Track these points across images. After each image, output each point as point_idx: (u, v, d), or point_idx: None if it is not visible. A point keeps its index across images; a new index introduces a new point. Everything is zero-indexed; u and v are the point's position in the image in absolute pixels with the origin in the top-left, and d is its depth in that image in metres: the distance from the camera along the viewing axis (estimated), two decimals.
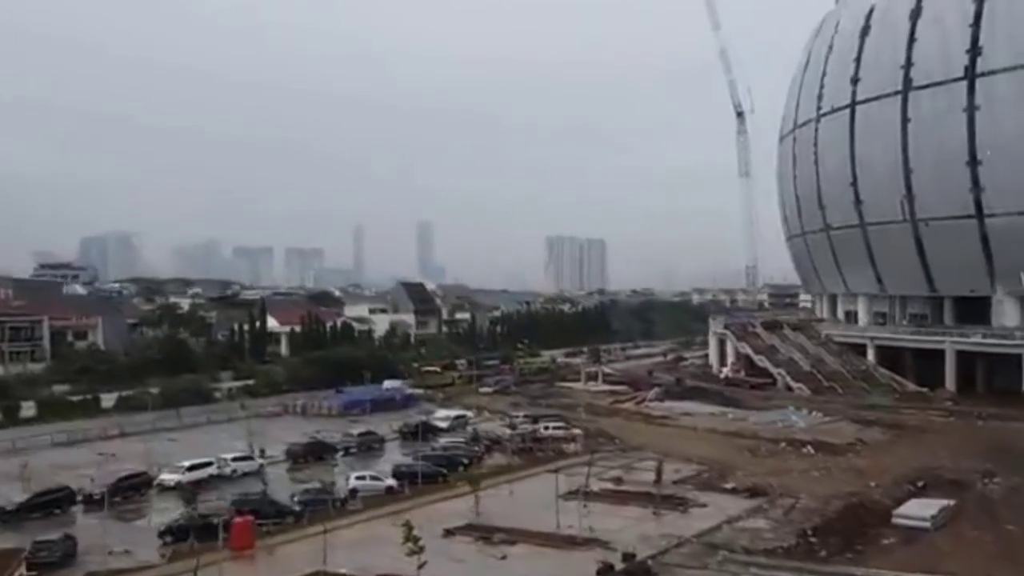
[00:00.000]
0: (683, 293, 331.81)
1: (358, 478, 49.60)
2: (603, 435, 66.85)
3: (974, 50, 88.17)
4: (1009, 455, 56.78)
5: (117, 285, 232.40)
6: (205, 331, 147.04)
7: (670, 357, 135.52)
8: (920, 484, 50.05)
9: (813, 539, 39.47)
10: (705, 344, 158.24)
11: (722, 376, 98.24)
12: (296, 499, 45.74)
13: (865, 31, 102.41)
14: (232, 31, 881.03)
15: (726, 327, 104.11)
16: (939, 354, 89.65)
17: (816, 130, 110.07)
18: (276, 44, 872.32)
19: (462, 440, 61.33)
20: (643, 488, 49.06)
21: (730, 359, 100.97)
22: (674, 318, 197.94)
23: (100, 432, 70.47)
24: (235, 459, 55.54)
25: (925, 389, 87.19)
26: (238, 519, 39.61)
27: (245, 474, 55.28)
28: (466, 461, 56.29)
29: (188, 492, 41.87)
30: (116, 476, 50.61)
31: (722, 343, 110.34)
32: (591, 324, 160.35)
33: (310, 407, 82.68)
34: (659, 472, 48.17)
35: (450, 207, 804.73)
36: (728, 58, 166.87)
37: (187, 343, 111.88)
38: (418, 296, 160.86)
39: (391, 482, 50.09)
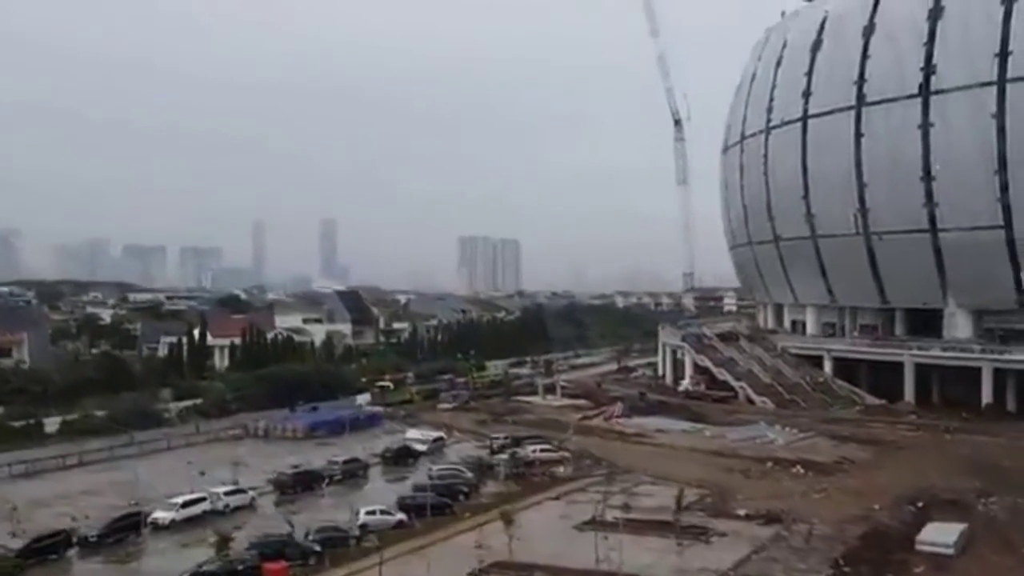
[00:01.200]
0: (604, 296, 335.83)
1: (368, 513, 49.07)
2: (588, 457, 67.47)
3: (928, 68, 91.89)
4: (994, 472, 59.64)
5: (7, 289, 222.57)
6: (129, 344, 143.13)
7: (615, 367, 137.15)
8: (920, 505, 52.35)
9: (847, 569, 40.94)
10: (645, 352, 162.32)
11: (681, 389, 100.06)
12: (310, 538, 45.07)
13: (816, 46, 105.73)
14: (115, 10, 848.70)
15: (683, 339, 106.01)
16: (893, 366, 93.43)
17: (766, 142, 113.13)
18: (166, 24, 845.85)
19: (455, 467, 61.04)
20: (654, 516, 49.94)
21: (688, 371, 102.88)
22: (606, 324, 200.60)
23: (58, 463, 67.83)
24: (227, 493, 54.24)
25: (883, 401, 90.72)
26: (270, 565, 38.93)
27: (237, 508, 54.20)
28: (466, 490, 56.22)
29: (220, 537, 40.73)
30: (110, 516, 48.95)
31: (675, 353, 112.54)
32: (529, 332, 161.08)
33: (272, 429, 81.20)
34: (679, 502, 49.04)
35: (355, 204, 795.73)
36: (666, 65, 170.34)
37: (123, 360, 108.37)
38: (354, 305, 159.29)
39: (401, 516, 49.76)
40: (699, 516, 50.26)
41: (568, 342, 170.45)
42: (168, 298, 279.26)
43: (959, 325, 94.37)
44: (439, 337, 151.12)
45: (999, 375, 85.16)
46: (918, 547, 43.24)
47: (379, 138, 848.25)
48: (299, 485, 58.81)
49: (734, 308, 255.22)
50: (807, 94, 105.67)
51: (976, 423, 78.15)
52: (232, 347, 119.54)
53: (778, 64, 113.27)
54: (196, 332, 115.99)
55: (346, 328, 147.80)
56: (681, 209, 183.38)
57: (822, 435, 75.69)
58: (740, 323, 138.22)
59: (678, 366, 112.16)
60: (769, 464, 64.72)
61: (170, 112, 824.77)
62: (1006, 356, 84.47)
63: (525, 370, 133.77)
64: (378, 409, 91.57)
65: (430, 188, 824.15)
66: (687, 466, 64.77)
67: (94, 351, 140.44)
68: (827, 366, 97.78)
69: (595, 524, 49.05)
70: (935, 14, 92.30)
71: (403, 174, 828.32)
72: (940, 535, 44.11)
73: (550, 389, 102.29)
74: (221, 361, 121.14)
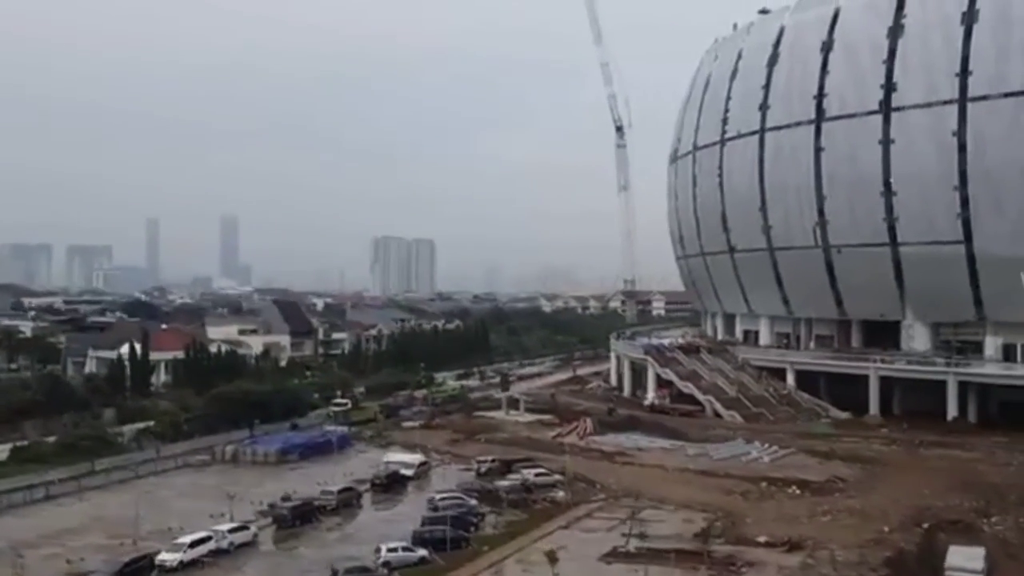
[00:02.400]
0: (527, 299, 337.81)
1: (390, 550, 48.52)
2: (582, 480, 67.85)
3: (888, 85, 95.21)
4: (986, 490, 62.17)
5: None
6: (53, 359, 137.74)
7: (565, 377, 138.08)
8: (926, 526, 54.37)
9: None
10: (588, 360, 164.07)
11: (647, 403, 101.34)
12: None
13: (773, 59, 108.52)
14: None
15: (646, 352, 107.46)
16: (854, 377, 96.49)
17: (721, 153, 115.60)
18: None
19: (458, 495, 60.68)
20: (677, 545, 50.73)
21: (650, 384, 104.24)
22: (542, 331, 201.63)
23: (24, 497, 65.10)
24: (231, 530, 52.96)
25: (848, 413, 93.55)
26: None
27: (240, 545, 53.00)
28: (476, 521, 56.05)
29: None
30: (119, 560, 47.41)
31: (633, 365, 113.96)
32: (471, 342, 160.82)
33: (242, 453, 79.37)
34: (707, 533, 49.87)
35: (258, 201, 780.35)
36: (609, 72, 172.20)
37: (63, 379, 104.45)
38: (293, 315, 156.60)
39: (423, 552, 49.35)
40: (719, 544, 51.14)
41: (508, 351, 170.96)
42: (66, 302, 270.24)
43: (917, 337, 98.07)
44: (382, 348, 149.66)
45: (961, 387, 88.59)
46: (948, 573, 44.82)
47: (286, 135, 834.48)
48: (297, 518, 57.70)
49: (663, 312, 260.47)
50: (764, 107, 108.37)
51: (946, 436, 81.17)
52: (175, 362, 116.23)
53: (733, 76, 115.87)
54: (134, 347, 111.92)
55: (284, 340, 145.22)
56: (622, 215, 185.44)
57: (802, 451, 77.53)
58: (687, 332, 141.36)
59: (637, 378, 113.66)
60: (763, 484, 66.12)
61: (50, 96, 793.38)
62: (971, 369, 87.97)
63: (474, 382, 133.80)
64: (343, 429, 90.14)
65: (341, 187, 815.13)
66: (683, 488, 65.75)
67: (12, 367, 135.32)
68: (790, 378, 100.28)
69: (619, 556, 49.64)
70: (895, 32, 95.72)
71: (312, 173, 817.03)
72: (967, 560, 45.72)
73: (513, 404, 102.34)
74: (158, 378, 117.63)
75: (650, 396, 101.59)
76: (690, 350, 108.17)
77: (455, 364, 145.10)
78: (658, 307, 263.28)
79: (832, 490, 64.29)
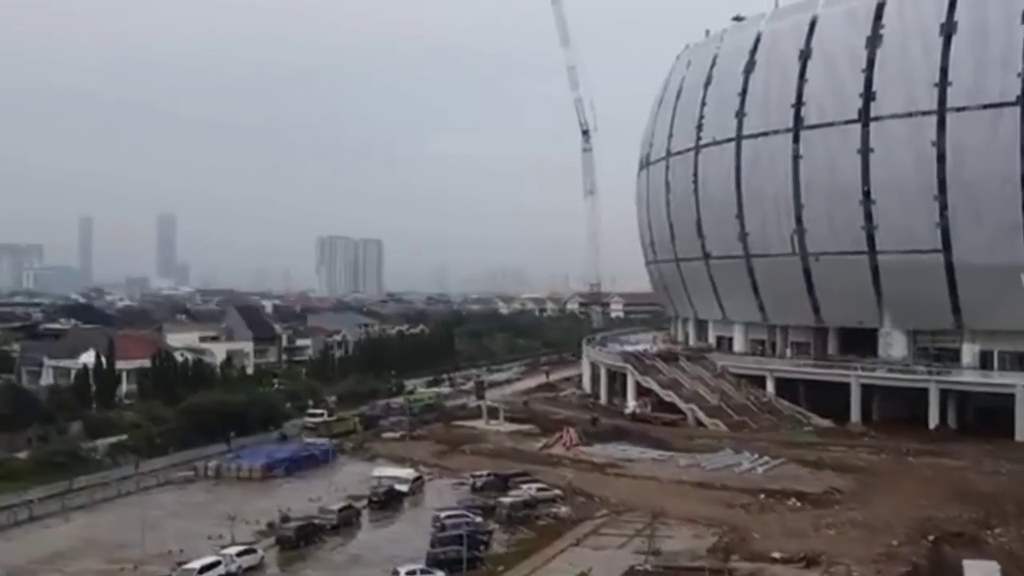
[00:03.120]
0: (483, 300, 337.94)
1: (408, 573, 48.31)
2: (580, 494, 68.04)
3: (867, 94, 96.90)
4: (981, 500, 63.55)
5: None
6: (6, 368, 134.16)
7: (536, 384, 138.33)
8: (931, 539, 55.57)
9: None
10: (556, 364, 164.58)
11: (628, 412, 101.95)
12: None
13: (750, 67, 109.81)
14: None
15: (626, 361, 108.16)
16: (832, 384, 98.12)
17: (696, 160, 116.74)
18: None
19: (462, 512, 60.46)
20: (688, 561, 51.26)
21: (630, 393, 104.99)
22: (505, 334, 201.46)
23: (9, 518, 63.33)
24: (239, 554, 52.20)
25: (829, 421, 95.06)
26: None
27: (248, 569, 52.31)
28: (486, 539, 55.96)
29: None
30: None
31: (611, 372, 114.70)
32: (438, 347, 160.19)
33: (226, 469, 78.20)
34: (726, 550, 50.39)
35: (196, 199, 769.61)
36: (576, 76, 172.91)
37: (28, 390, 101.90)
38: (255, 321, 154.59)
39: (440, 574, 49.17)
40: (735, 561, 51.74)
41: (472, 356, 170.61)
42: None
43: (894, 344, 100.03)
44: (349, 354, 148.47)
45: (941, 395, 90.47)
46: None
47: (228, 132, 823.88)
48: (301, 539, 57.07)
49: (622, 314, 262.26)
50: (741, 114, 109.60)
51: (931, 444, 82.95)
52: (140, 372, 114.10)
53: (707, 83, 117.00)
54: (100, 356, 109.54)
55: (248, 347, 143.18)
56: (589, 219, 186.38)
57: (792, 461, 78.59)
58: (657, 337, 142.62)
59: (613, 385, 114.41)
60: (761, 496, 66.93)
61: None
62: (953, 377, 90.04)
63: (445, 389, 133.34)
64: (323, 441, 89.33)
65: (284, 186, 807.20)
66: (682, 501, 66.18)
67: None
68: (770, 386, 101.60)
69: (638, 574, 49.96)
70: (873, 41, 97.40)
71: (254, 171, 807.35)
72: (984, 575, 46.95)
73: (493, 413, 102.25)
74: (120, 388, 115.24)
75: (631, 405, 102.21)
76: (669, 358, 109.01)
77: (422, 370, 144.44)
78: (617, 309, 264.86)
79: (831, 502, 65.23)
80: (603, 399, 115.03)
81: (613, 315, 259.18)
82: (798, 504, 65.00)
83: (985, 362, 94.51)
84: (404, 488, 69.71)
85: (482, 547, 54.55)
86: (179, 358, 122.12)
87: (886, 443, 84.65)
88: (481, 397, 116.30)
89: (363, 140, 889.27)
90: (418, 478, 72.81)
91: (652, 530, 54.71)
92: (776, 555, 52.27)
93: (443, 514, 59.64)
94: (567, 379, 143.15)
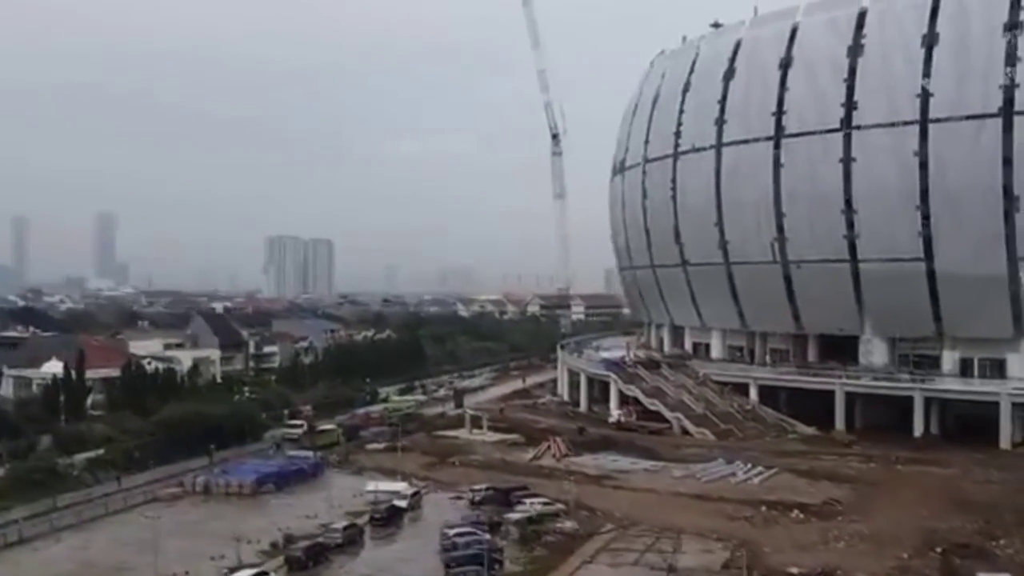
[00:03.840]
0: (440, 301, 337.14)
1: None
2: (583, 507, 68.33)
3: (849, 104, 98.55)
4: (980, 509, 64.87)
5: None
6: None
7: (512, 391, 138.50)
8: (939, 551, 56.77)
9: None
10: (526, 369, 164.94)
11: (612, 420, 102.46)
12: None
13: (729, 74, 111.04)
14: None
15: (608, 369, 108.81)
16: (813, 391, 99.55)
17: (675, 167, 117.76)
18: None
19: (473, 530, 60.28)
20: None
21: (613, 401, 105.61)
22: (470, 339, 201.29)
23: None
24: None
25: (813, 428, 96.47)
26: None
27: None
28: (500, 558, 55.91)
29: None
30: None
31: (590, 381, 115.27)
32: (407, 352, 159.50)
33: (215, 485, 77.14)
34: (748, 567, 51.01)
35: (135, 197, 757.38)
36: (545, 79, 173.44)
37: None
38: (221, 327, 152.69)
39: None
40: None
41: (440, 361, 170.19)
42: None
43: (875, 351, 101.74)
44: (319, 361, 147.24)
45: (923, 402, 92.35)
46: None
47: (167, 132, 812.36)
48: (311, 559, 56.60)
49: (583, 316, 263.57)
50: (720, 122, 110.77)
51: (918, 453, 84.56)
52: (109, 382, 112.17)
53: (686, 89, 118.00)
54: (69, 366, 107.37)
55: (214, 354, 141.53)
56: (558, 223, 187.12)
57: (785, 471, 79.57)
58: (631, 343, 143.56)
59: (592, 392, 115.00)
60: (763, 508, 67.75)
61: None
62: (938, 386, 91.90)
63: (419, 397, 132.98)
64: (307, 454, 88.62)
65: (229, 185, 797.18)
66: (684, 514, 66.64)
67: None
68: (753, 393, 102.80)
69: None
70: (855, 51, 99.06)
71: (197, 169, 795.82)
72: None
73: (476, 423, 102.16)
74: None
75: (616, 414, 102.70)
76: (651, 365, 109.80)
77: (391, 377, 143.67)
78: (578, 312, 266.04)
79: (833, 513, 66.15)
80: (583, 407, 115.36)
81: (574, 317, 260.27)
82: (801, 516, 65.81)
83: (965, 369, 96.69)
84: (403, 504, 69.28)
85: (496, 565, 54.51)
86: (148, 367, 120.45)
87: (874, 451, 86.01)
88: (460, 405, 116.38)
89: (314, 138, 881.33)
90: (416, 493, 72.38)
91: (675, 547, 55.06)
92: (794, 570, 52.99)
93: (452, 531, 59.34)
94: (540, 385, 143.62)
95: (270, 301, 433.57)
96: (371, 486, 74.52)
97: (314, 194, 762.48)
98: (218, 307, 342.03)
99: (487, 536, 59.22)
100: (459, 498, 73.32)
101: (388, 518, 66.12)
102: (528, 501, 67.25)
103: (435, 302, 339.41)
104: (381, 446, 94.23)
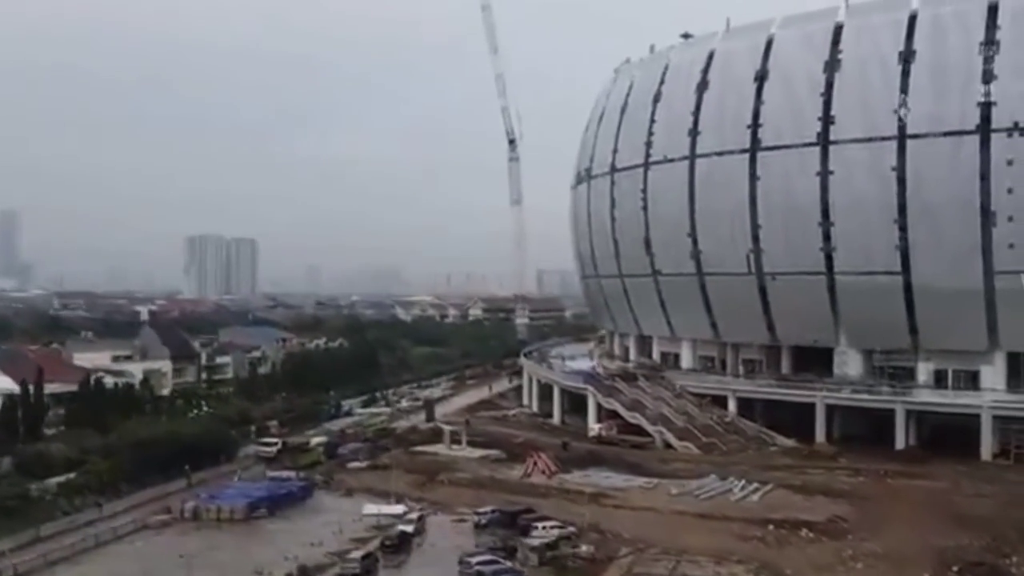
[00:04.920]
0: (378, 305, 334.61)
1: None
2: (593, 529, 68.73)
3: (827, 118, 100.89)
4: (981, 524, 66.95)
5: None
6: None
7: (477, 400, 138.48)
8: (955, 570, 58.64)
9: None
10: (483, 377, 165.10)
11: (592, 434, 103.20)
12: None
13: (703, 85, 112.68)
14: None
15: (586, 381, 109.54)
16: (789, 402, 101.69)
17: (645, 177, 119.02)
18: None
19: (495, 558, 60.23)
20: None
21: (591, 414, 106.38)
22: (418, 344, 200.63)
23: None
24: None
25: (793, 441, 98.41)
26: None
27: None
28: None
29: None
30: None
31: (563, 392, 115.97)
32: (362, 361, 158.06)
33: (205, 510, 75.51)
34: None
35: (41, 194, 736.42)
36: (503, 83, 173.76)
37: None
38: (172, 337, 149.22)
39: None
40: None
41: (394, 369, 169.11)
42: None
43: (850, 363, 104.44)
44: (277, 371, 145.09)
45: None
46: None
47: (81, 127, 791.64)
48: None
49: (528, 320, 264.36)
50: (694, 133, 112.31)
51: (903, 465, 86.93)
52: (57, 398, 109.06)
53: (656, 100, 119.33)
54: (26, 383, 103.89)
55: (165, 366, 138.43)
56: (514, 229, 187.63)
57: (778, 486, 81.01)
58: (593, 350, 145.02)
59: (562, 403, 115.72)
60: (770, 527, 68.99)
61: None
62: (919, 399, 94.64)
63: (384, 409, 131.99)
64: (292, 475, 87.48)
65: (146, 183, 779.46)
66: (694, 534, 67.22)
67: None
68: (732, 405, 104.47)
69: None
70: (831, 66, 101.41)
71: (110, 167, 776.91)
72: None
73: (456, 439, 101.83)
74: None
75: (596, 428, 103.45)
76: (628, 378, 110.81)
77: (349, 387, 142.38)
78: (521, 316, 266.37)
79: (840, 532, 67.49)
80: (556, 419, 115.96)
81: (519, 322, 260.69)
82: (810, 534, 67.08)
83: (939, 380, 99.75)
84: (409, 528, 68.88)
85: None
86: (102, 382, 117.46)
87: (859, 464, 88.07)
88: (431, 418, 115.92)
89: (236, 135, 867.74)
90: (421, 516, 72.00)
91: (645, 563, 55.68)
92: None
93: (473, 560, 59.26)
94: (502, 395, 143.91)
95: (193, 302, 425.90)
96: (371, 509, 74.10)
97: (235, 193, 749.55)
98: (142, 311, 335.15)
99: (509, 563, 59.35)
100: (462, 521, 73.10)
101: (399, 544, 65.58)
102: (540, 525, 67.12)
103: (371, 305, 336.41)
104: (363, 464, 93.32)
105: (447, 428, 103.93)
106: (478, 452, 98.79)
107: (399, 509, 73.97)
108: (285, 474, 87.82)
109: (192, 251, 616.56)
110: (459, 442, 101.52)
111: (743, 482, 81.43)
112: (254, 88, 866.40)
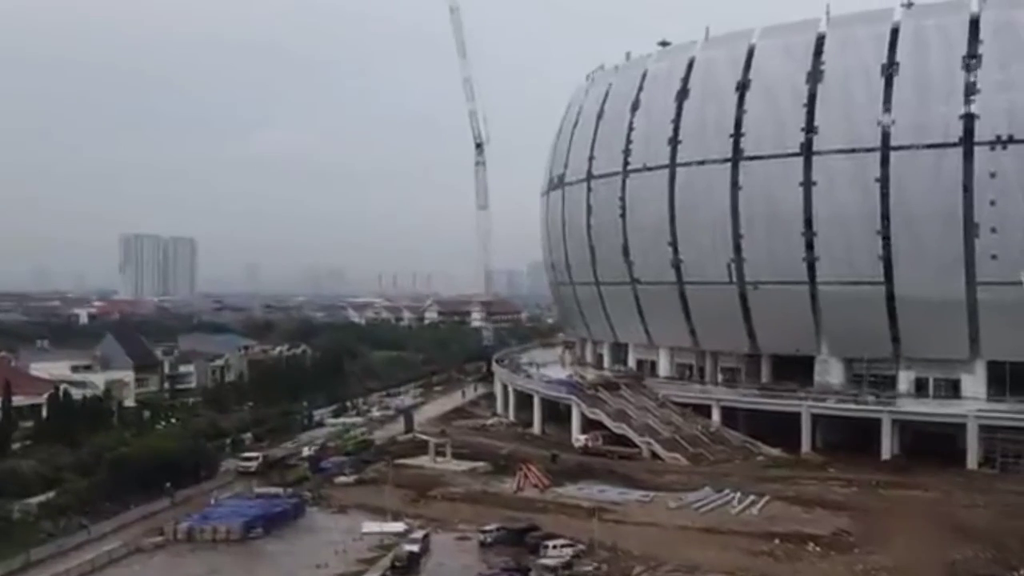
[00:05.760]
0: (331, 308, 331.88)
1: None
2: (601, 547, 69.02)
3: (809, 129, 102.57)
4: (981, 535, 68.56)
5: None
6: None
7: (451, 408, 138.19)
8: None
9: None
10: (447, 383, 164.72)
11: (578, 445, 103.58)
12: None
13: (683, 94, 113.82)
14: None
15: (569, 392, 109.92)
16: (770, 411, 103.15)
17: (623, 185, 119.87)
18: None
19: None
20: None
21: (575, 424, 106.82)
22: (378, 349, 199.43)
23: None
24: None
25: (778, 450, 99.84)
26: None
27: None
28: None
29: None
30: None
31: (543, 401, 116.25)
32: (328, 369, 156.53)
33: (199, 531, 74.25)
34: None
35: None
36: (472, 87, 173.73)
37: None
38: (134, 346, 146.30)
39: None
40: None
41: (360, 377, 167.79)
42: None
43: (831, 371, 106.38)
44: (244, 381, 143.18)
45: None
46: None
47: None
48: None
49: (484, 325, 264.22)
50: (674, 142, 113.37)
51: (893, 475, 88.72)
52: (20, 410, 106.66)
53: (635, 108, 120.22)
54: None
55: (128, 376, 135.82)
56: (480, 234, 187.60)
57: (774, 498, 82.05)
58: (564, 356, 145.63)
59: (546, 413, 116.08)
60: (776, 541, 69.90)
61: None
62: (905, 408, 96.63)
63: (356, 419, 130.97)
64: (278, 491, 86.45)
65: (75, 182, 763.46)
66: (702, 550, 67.76)
67: None
68: (716, 415, 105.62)
69: None
70: (814, 77, 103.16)
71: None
72: None
73: (440, 451, 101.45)
74: None
75: (582, 438, 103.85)
76: (610, 387, 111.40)
77: (315, 395, 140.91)
78: (477, 319, 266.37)
79: (846, 545, 68.50)
80: (537, 429, 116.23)
81: (474, 324, 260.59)
82: (818, 549, 68.04)
83: (920, 389, 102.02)
84: (415, 548, 68.49)
85: None
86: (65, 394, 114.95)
87: (848, 474, 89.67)
88: (410, 429, 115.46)
89: (173, 133, 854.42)
90: (426, 535, 71.62)
91: None
92: None
93: None
94: (474, 403, 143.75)
95: (132, 304, 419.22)
96: (371, 527, 73.60)
97: (172, 191, 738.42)
98: (80, 313, 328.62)
99: None
100: (465, 539, 72.87)
101: (407, 565, 65.24)
102: (551, 544, 67.20)
103: (321, 307, 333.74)
104: (351, 479, 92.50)
105: (432, 440, 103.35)
106: (465, 464, 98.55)
107: (399, 527, 73.50)
108: (273, 491, 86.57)
109: (127, 250, 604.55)
110: (444, 454, 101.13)
111: (739, 494, 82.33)
112: (204, 80, 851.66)
